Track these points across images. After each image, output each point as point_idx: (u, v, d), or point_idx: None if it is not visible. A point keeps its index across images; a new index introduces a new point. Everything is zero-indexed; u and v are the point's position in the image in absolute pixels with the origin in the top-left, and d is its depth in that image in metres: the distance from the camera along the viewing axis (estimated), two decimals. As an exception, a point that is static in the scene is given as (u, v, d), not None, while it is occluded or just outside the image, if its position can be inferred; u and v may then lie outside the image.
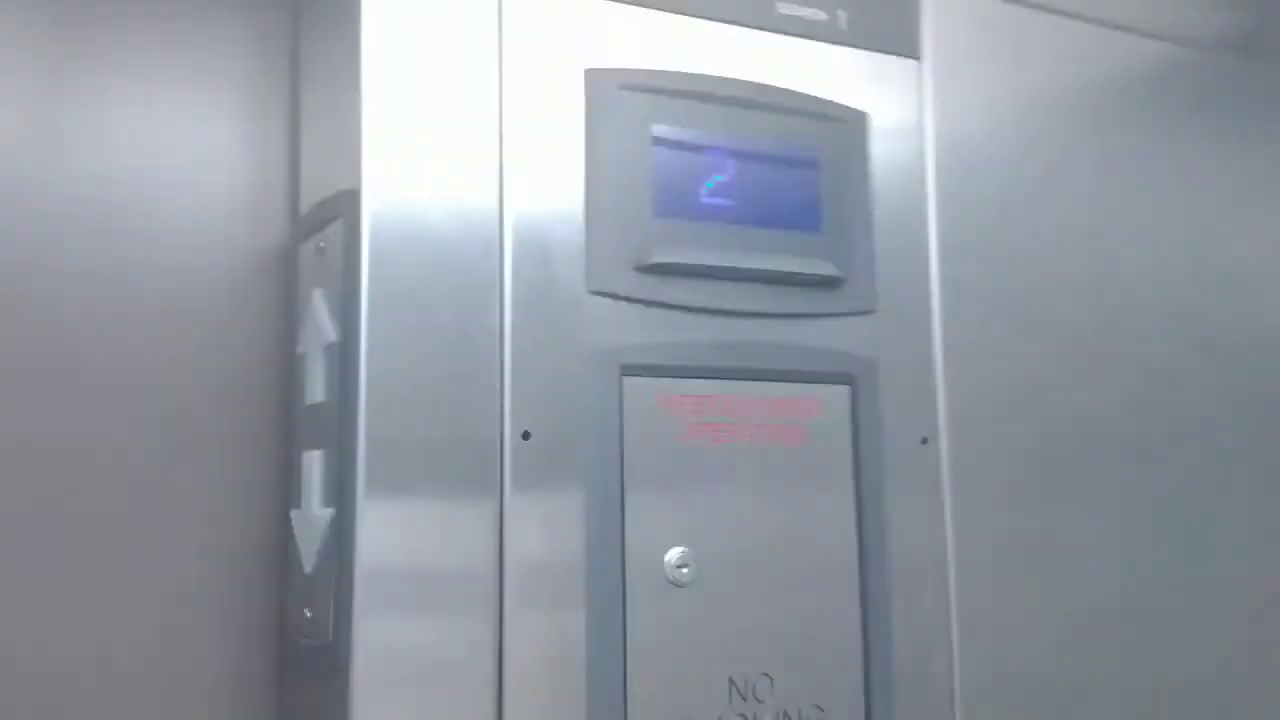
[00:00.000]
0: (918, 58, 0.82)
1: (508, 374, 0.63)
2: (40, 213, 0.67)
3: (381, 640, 0.58)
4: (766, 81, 0.74)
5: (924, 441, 0.77)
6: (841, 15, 0.78)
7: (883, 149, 0.78)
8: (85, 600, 0.65)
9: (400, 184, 0.62)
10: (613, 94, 0.68)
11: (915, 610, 0.74)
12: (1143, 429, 0.87)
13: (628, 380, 0.67)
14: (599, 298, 0.67)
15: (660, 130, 0.70)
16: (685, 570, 0.66)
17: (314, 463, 0.63)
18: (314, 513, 0.62)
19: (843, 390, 0.74)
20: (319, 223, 0.65)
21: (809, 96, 0.76)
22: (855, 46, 0.79)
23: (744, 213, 0.72)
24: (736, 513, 0.69)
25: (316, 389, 0.64)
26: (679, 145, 0.70)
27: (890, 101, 0.80)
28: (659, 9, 0.71)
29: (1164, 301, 0.90)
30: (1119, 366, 0.87)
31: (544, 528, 0.63)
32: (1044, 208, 0.85)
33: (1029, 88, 0.86)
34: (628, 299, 0.67)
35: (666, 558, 0.66)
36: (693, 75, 0.71)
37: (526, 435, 0.63)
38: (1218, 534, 0.90)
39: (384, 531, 0.59)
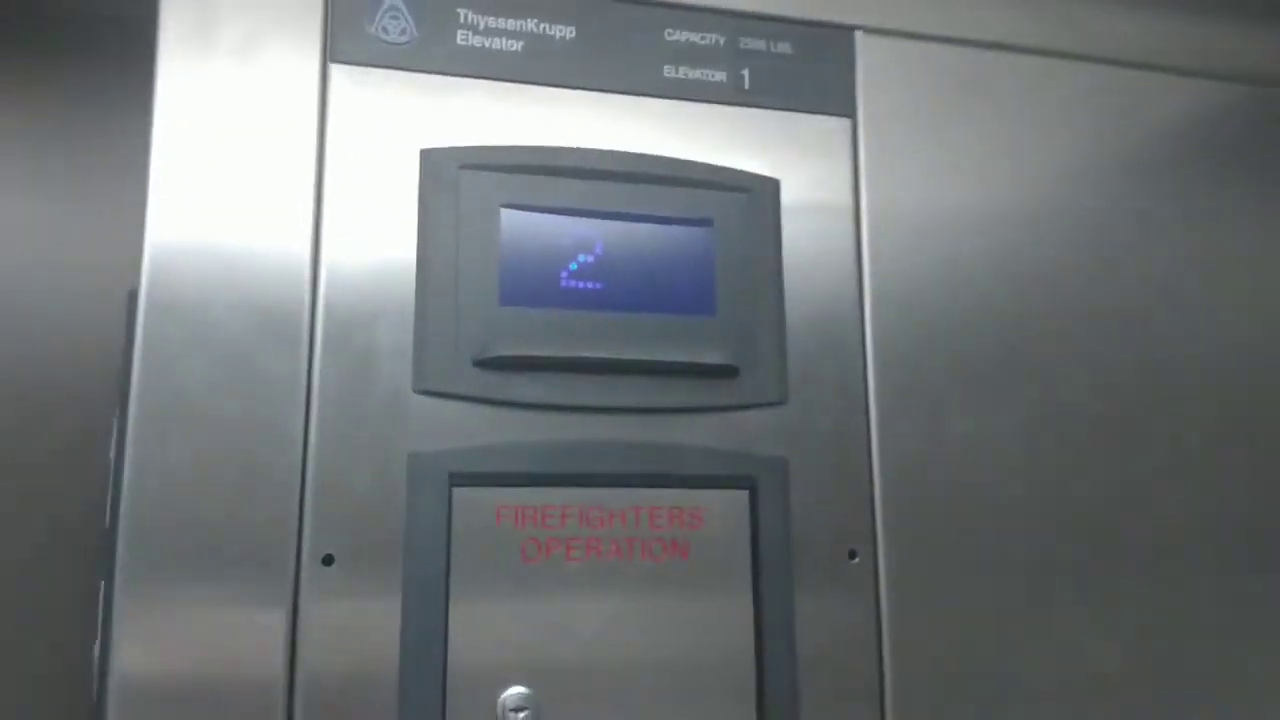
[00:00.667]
0: (850, 115, 0.72)
1: (309, 490, 0.56)
2: None
3: None
4: (650, 151, 0.67)
5: (852, 556, 0.65)
6: (744, 74, 0.70)
7: (801, 218, 0.69)
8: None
9: (188, 281, 0.57)
10: (452, 173, 0.62)
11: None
12: (1135, 535, 0.72)
13: (458, 491, 0.59)
14: (427, 398, 0.59)
15: (508, 210, 0.63)
16: (524, 714, 0.57)
17: (102, 593, 0.57)
18: (99, 643, 0.57)
19: (739, 495, 0.64)
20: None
21: (699, 164, 0.67)
22: (765, 107, 0.70)
23: (616, 297, 0.64)
24: (596, 645, 0.59)
25: (106, 511, 0.59)
26: (532, 225, 0.63)
27: (811, 165, 0.70)
28: (514, 81, 0.65)
29: (1147, 383, 0.75)
30: (1102, 457, 0.72)
31: (350, 652, 0.55)
32: (1001, 279, 0.73)
33: (987, 139, 0.75)
34: (461, 397, 0.60)
35: (502, 698, 0.57)
36: (553, 149, 0.64)
37: (329, 560, 0.56)
38: (1205, 657, 0.73)
39: (143, 651, 0.52)
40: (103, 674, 0.52)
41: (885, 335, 0.69)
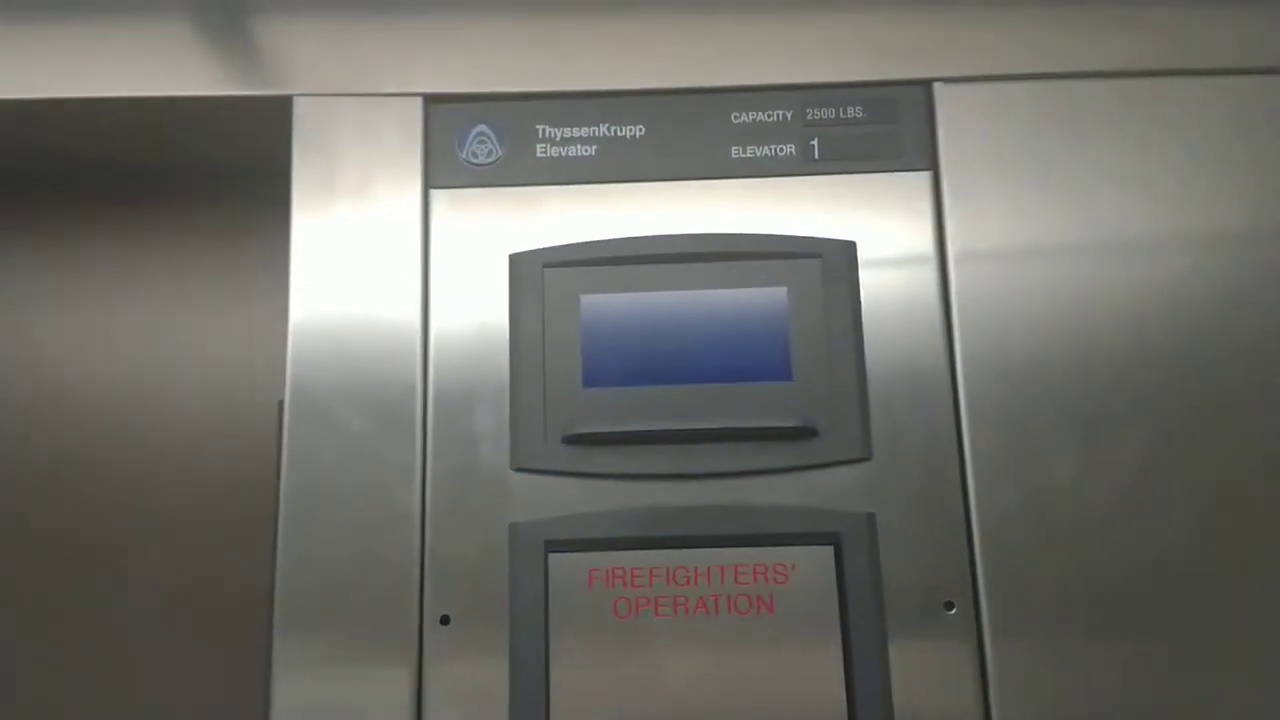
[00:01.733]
0: (930, 167, 0.74)
1: (427, 559, 0.65)
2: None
3: None
4: (721, 230, 0.71)
5: (949, 607, 0.66)
6: (814, 144, 0.73)
7: (882, 275, 0.71)
8: None
9: (321, 387, 0.68)
10: (536, 272, 0.70)
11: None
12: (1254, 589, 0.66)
13: (553, 556, 0.66)
14: (523, 474, 0.67)
15: (588, 298, 0.70)
16: None
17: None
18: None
19: (824, 551, 0.66)
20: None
21: (770, 236, 0.71)
22: (837, 172, 0.73)
23: (692, 370, 0.69)
24: (686, 696, 0.64)
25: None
26: (609, 310, 0.69)
27: (890, 221, 0.72)
28: (591, 182, 0.72)
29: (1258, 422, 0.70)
30: (1195, 496, 0.67)
31: (466, 704, 0.63)
32: (1110, 313, 0.71)
33: (1084, 169, 0.73)
34: (553, 472, 0.67)
35: None
36: (627, 239, 0.71)
37: (445, 620, 0.65)
38: None
39: (298, 696, 0.63)
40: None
41: (979, 383, 0.69)
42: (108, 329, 0.87)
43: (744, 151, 0.73)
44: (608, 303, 0.69)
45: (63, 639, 0.83)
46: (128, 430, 0.85)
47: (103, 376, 0.85)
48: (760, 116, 0.74)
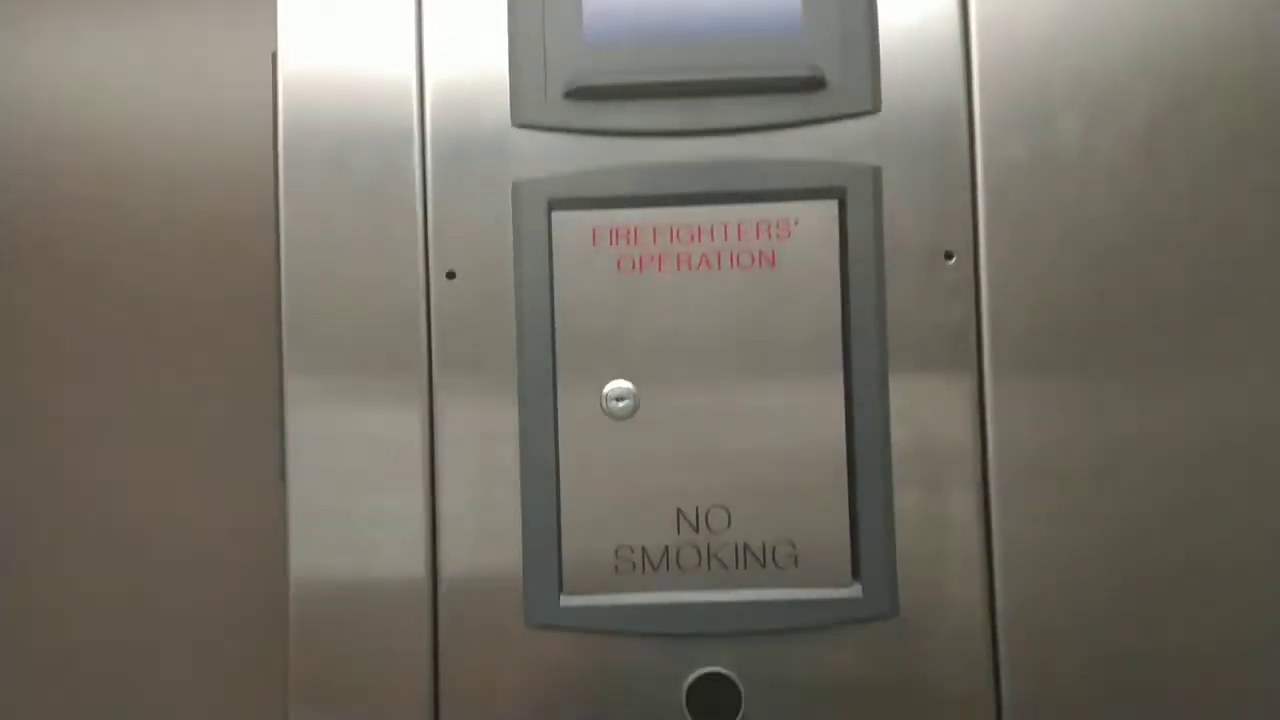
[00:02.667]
0: None
1: (430, 217, 0.66)
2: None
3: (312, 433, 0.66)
4: None
5: (949, 257, 0.67)
6: None
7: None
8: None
9: (317, 48, 0.65)
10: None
11: (922, 435, 0.66)
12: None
13: (556, 214, 0.66)
14: (525, 130, 0.66)
15: (586, -57, 0.65)
16: (624, 404, 0.66)
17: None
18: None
19: (829, 205, 0.66)
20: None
21: None
22: None
23: (697, 22, 0.66)
24: (688, 343, 0.66)
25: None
26: (610, -45, 0.65)
27: None
28: None
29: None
30: (1198, 159, 0.66)
31: (472, 354, 0.66)
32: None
33: None
34: (555, 128, 0.66)
35: (605, 391, 0.66)
36: (626, -128, 0.65)
37: (451, 275, 0.66)
38: None
39: (310, 354, 0.66)
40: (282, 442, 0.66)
41: (991, 39, 0.66)
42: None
43: None
44: (606, -54, 0.65)
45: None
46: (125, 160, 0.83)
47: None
48: None
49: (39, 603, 0.89)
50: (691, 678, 0.66)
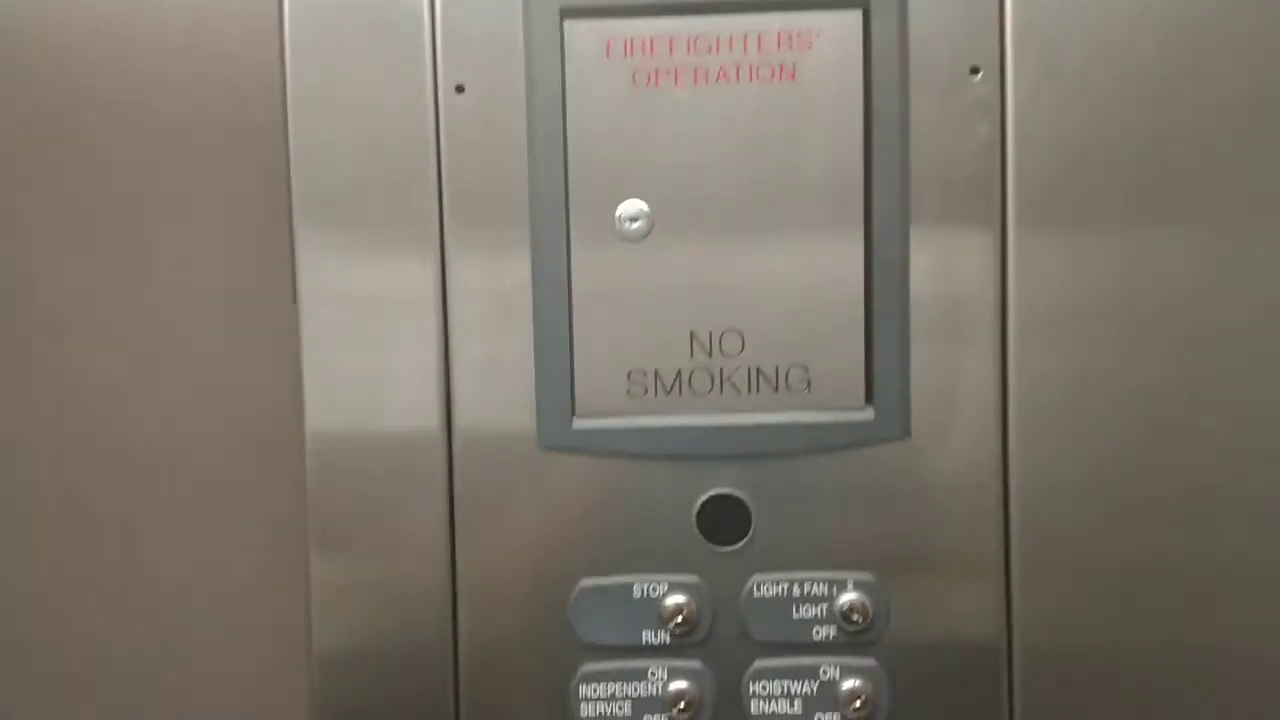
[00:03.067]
0: None
1: (439, 26, 0.63)
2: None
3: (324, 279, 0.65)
4: None
5: (974, 71, 0.64)
6: None
7: None
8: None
9: None
10: None
11: (946, 260, 0.65)
12: None
13: (569, 23, 0.63)
14: (535, -66, 0.62)
15: None
16: (637, 224, 0.64)
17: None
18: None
19: (852, 15, 0.63)
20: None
21: None
22: None
23: None
24: (704, 160, 0.64)
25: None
26: None
27: None
28: None
29: None
30: None
31: (483, 178, 0.64)
32: None
33: None
34: (566, -68, 0.62)
35: (618, 211, 0.64)
36: None
37: (460, 89, 0.64)
38: None
39: (318, 173, 0.64)
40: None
41: None
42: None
43: None
44: None
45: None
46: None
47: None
48: None
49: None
50: (702, 499, 0.66)
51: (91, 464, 0.85)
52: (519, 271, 0.65)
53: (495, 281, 0.65)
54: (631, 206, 0.64)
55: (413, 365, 0.65)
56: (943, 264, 0.64)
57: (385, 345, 0.65)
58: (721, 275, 0.65)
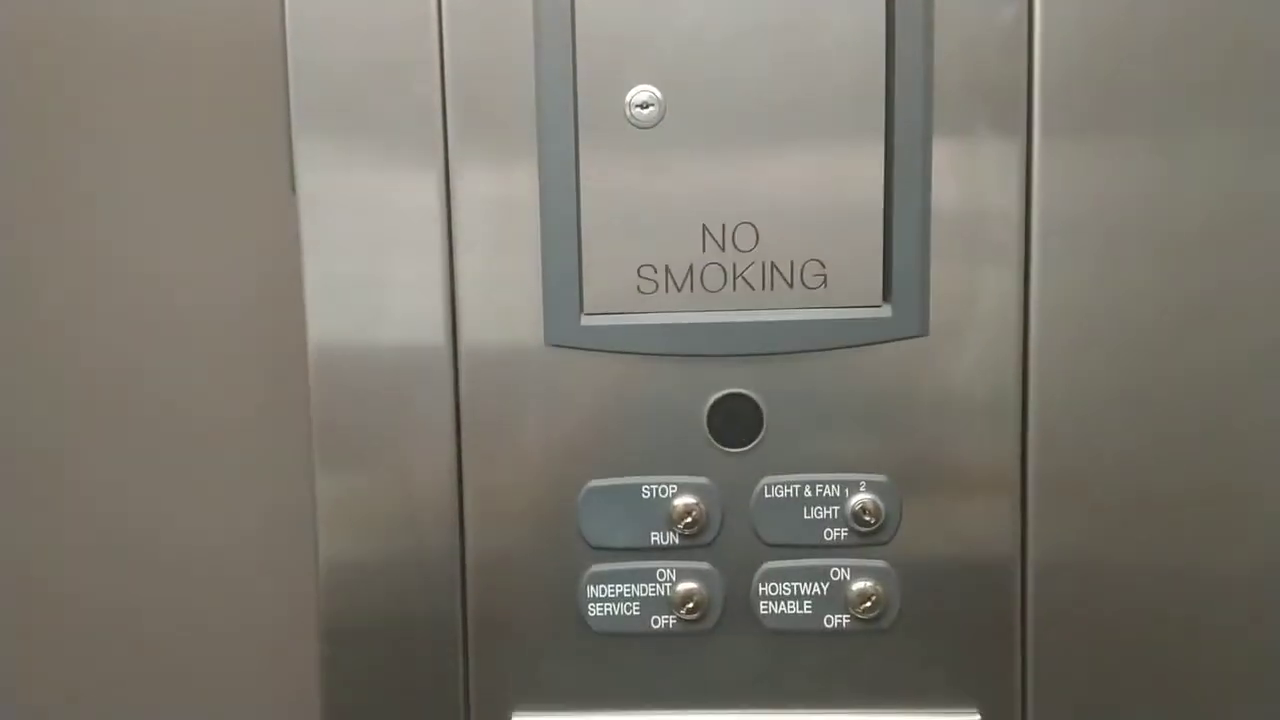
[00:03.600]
0: None
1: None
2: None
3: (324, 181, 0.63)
4: None
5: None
6: None
7: None
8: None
9: None
10: None
11: (969, 151, 0.62)
12: None
13: (577, -102, 0.60)
14: None
15: None
16: (649, 110, 0.62)
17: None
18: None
19: (877, -107, 0.60)
20: None
21: None
22: None
23: None
24: (719, 46, 0.61)
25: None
26: None
27: None
28: None
29: None
30: None
31: (488, 66, 0.62)
32: None
33: None
34: None
35: (628, 97, 0.62)
36: None
37: (464, -26, 0.61)
38: None
39: (316, 63, 0.62)
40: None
41: None
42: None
43: None
44: None
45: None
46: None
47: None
48: None
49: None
50: (713, 398, 0.65)
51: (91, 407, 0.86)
52: (527, 179, 0.62)
53: (502, 188, 0.63)
54: (642, 91, 0.62)
55: (416, 275, 0.63)
56: (967, 153, 0.62)
57: (387, 251, 0.63)
58: (735, 166, 0.62)
